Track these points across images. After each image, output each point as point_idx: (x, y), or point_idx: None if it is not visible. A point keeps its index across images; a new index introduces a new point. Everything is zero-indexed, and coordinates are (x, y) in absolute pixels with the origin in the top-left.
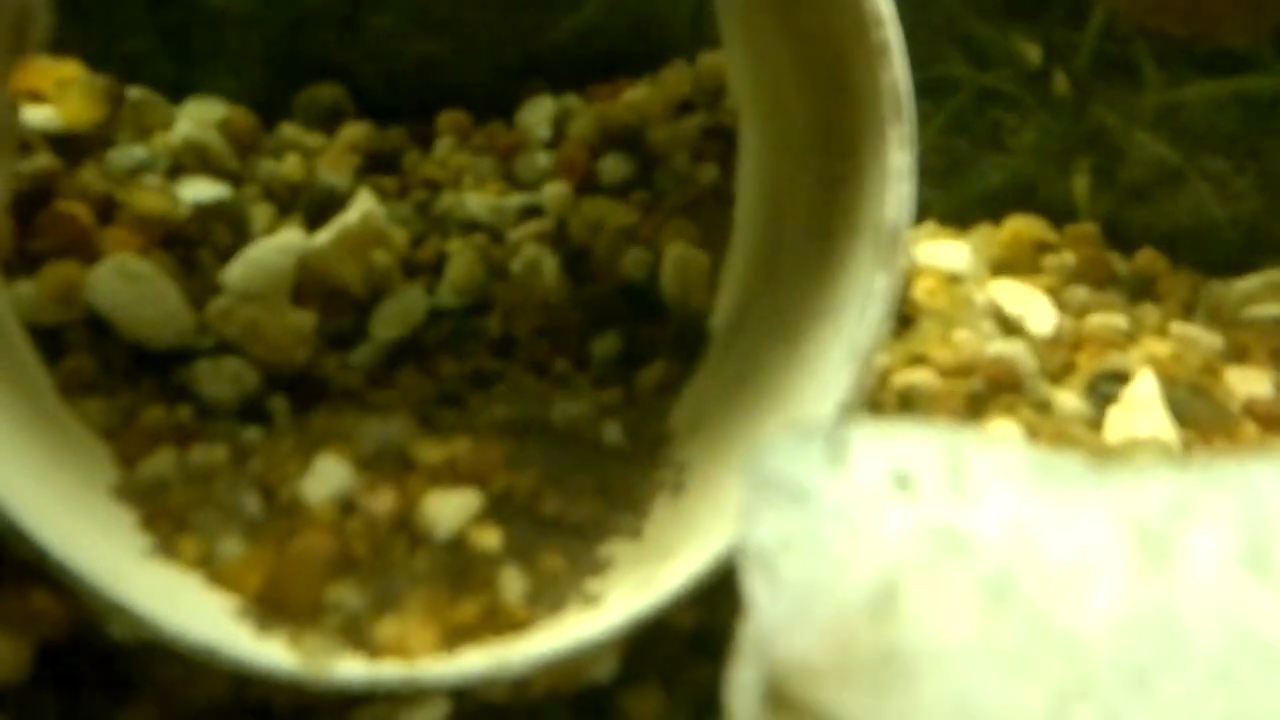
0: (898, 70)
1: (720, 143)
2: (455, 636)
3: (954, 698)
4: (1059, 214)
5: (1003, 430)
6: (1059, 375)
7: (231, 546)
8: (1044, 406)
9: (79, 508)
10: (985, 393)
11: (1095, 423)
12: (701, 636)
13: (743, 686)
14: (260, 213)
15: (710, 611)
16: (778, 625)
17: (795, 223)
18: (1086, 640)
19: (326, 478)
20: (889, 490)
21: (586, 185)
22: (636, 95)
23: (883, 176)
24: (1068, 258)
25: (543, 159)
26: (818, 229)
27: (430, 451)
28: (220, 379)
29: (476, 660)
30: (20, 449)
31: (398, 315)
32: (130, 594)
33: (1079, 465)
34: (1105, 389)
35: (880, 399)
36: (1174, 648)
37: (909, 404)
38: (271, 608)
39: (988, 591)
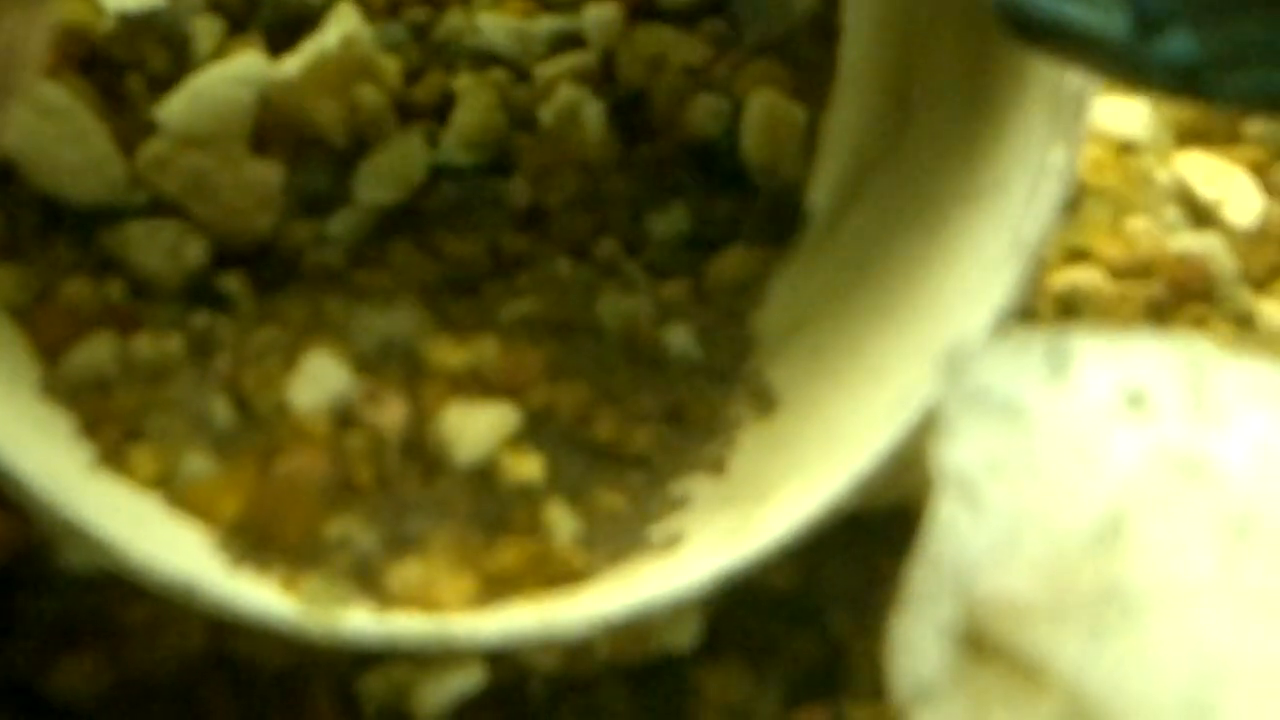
0: None
1: None
2: (494, 587)
3: (1185, 640)
4: None
5: None
6: (1265, 280)
7: (199, 463)
8: (1245, 320)
9: (10, 405)
10: (1169, 300)
11: None
12: (797, 603)
13: (914, 637)
14: (206, 29)
15: (810, 571)
16: (982, 559)
17: (934, 74)
18: None
19: (318, 381)
20: (1120, 409)
21: (642, 8)
22: None
23: None
24: None
25: None
26: (968, 84)
27: (448, 353)
28: (158, 247)
29: (524, 617)
30: None
31: (390, 173)
32: (87, 513)
33: None
34: None
35: (1033, 304)
36: None
37: (1071, 311)
38: (255, 541)
39: (1231, 526)
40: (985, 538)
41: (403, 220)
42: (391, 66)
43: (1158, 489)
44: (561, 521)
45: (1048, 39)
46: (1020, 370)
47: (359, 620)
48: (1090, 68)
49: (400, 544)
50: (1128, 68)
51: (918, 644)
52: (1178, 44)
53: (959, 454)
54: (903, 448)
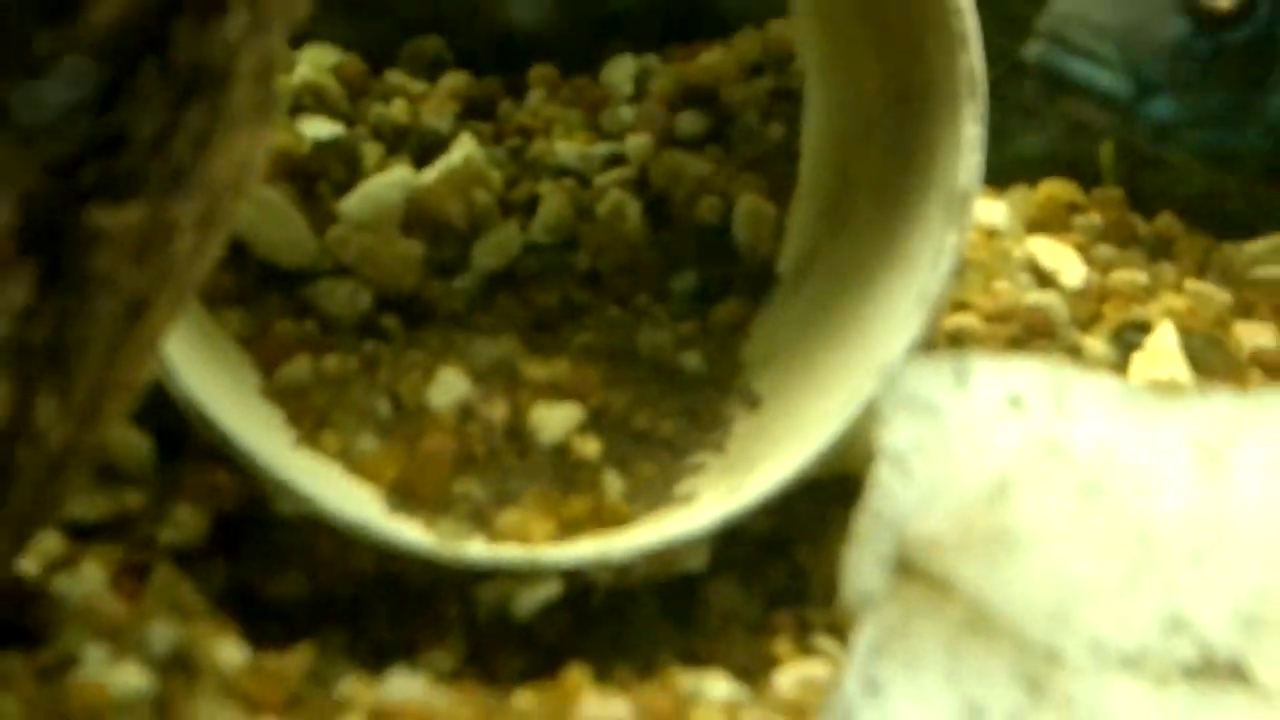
0: (974, 55)
1: (787, 103)
2: (568, 528)
3: (1051, 568)
4: (1087, 179)
5: None
6: (1088, 324)
7: (367, 443)
8: (1075, 351)
9: (240, 403)
10: (1023, 337)
11: (1120, 367)
12: (774, 540)
13: (859, 564)
14: (371, 151)
15: (780, 519)
16: (909, 510)
17: (864, 182)
18: (1156, 529)
19: (448, 388)
20: (1004, 408)
21: (666, 138)
22: (711, 58)
23: (956, 146)
24: (1095, 218)
25: (626, 113)
26: (888, 189)
27: (536, 369)
28: (340, 298)
29: (587, 548)
30: (193, 352)
31: (496, 248)
32: (293, 476)
33: (1154, 392)
34: (1129, 337)
35: (932, 339)
36: (1224, 535)
37: (958, 343)
38: (406, 496)
39: (1081, 489)
40: (912, 495)
41: (505, 280)
42: (496, 177)
43: (1030, 463)
44: (613, 484)
45: (1072, 94)
46: (934, 381)
47: (476, 550)
48: (1097, 120)
49: (504, 498)
50: (1123, 121)
51: (862, 568)
52: (1162, 106)
53: (892, 438)
54: (850, 434)
